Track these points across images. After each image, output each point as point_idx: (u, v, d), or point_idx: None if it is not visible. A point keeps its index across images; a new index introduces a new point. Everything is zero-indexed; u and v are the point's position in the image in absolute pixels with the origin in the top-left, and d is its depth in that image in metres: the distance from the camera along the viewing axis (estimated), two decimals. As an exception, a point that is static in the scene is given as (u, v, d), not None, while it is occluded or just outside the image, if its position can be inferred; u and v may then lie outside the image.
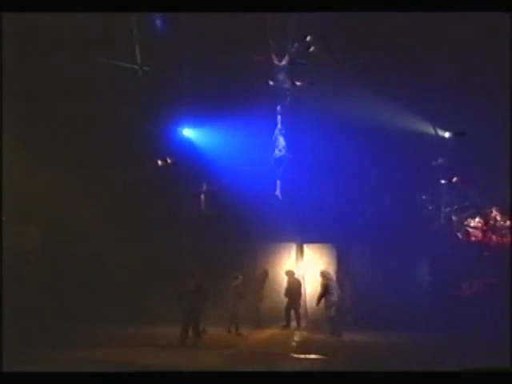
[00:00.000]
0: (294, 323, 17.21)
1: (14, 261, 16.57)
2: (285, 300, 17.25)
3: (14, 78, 15.91)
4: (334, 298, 16.17)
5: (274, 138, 19.05)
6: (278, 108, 19.12)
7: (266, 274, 17.72)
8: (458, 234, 18.90)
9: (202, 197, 19.76)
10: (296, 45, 18.72)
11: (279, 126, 19.13)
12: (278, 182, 18.84)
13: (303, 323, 17.37)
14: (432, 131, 19.51)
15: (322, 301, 16.22)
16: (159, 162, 19.44)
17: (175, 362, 12.20)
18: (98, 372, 8.73)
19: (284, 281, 17.70)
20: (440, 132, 19.51)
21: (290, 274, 17.64)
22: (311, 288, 17.64)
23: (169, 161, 19.42)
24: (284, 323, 17.08)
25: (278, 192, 18.78)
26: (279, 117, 19.13)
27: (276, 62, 18.88)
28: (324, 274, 16.80)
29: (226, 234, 18.32)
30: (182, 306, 14.67)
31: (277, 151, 18.96)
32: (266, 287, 17.53)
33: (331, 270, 17.41)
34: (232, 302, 16.17)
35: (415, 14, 14.11)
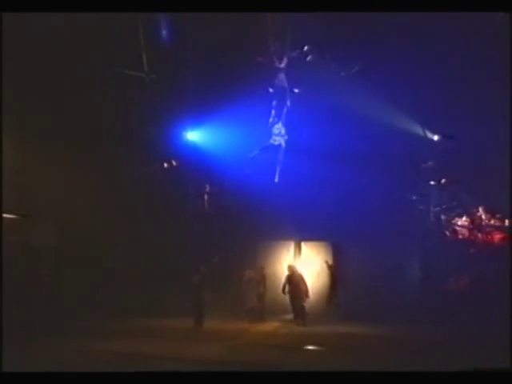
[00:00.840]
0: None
1: (30, 256, 17.43)
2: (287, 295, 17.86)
3: (23, 79, 16.42)
4: (302, 288, 17.28)
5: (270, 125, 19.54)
6: (274, 103, 19.62)
7: (262, 269, 18.44)
8: (446, 232, 19.45)
9: (206, 197, 20.32)
10: (296, 51, 19.33)
11: (273, 113, 19.59)
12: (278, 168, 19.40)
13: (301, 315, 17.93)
14: (422, 135, 19.96)
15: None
16: (165, 165, 20.00)
17: (181, 352, 12.84)
18: (98, 372, 8.64)
19: (283, 276, 18.29)
20: (429, 135, 19.99)
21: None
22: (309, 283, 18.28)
23: (174, 163, 19.99)
24: (291, 316, 17.81)
25: (276, 179, 19.39)
26: (273, 111, 19.60)
27: (277, 64, 19.45)
28: (289, 267, 18.02)
29: (227, 231, 19.04)
30: (192, 300, 15.71)
31: (272, 140, 19.52)
32: (266, 282, 18.24)
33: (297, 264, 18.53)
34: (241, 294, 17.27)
35: (411, 17, 14.32)
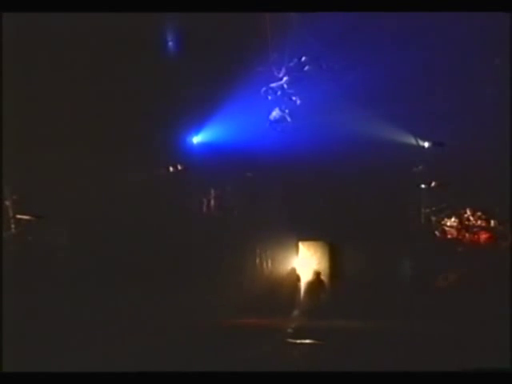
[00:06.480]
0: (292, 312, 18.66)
1: (43, 255, 17.89)
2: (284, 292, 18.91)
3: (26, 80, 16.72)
4: None
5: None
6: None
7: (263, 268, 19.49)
8: (436, 232, 20.10)
9: (210, 199, 20.78)
10: (294, 60, 20.19)
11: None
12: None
13: (298, 312, 18.77)
14: (413, 142, 20.57)
15: None
16: (171, 169, 20.52)
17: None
18: (99, 372, 8.52)
19: (283, 276, 19.47)
20: (421, 142, 20.55)
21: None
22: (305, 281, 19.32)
23: (179, 167, 20.49)
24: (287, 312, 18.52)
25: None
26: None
27: (275, 73, 20.34)
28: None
29: (229, 233, 19.60)
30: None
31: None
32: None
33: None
34: None
35: (408, 19, 14.83)
